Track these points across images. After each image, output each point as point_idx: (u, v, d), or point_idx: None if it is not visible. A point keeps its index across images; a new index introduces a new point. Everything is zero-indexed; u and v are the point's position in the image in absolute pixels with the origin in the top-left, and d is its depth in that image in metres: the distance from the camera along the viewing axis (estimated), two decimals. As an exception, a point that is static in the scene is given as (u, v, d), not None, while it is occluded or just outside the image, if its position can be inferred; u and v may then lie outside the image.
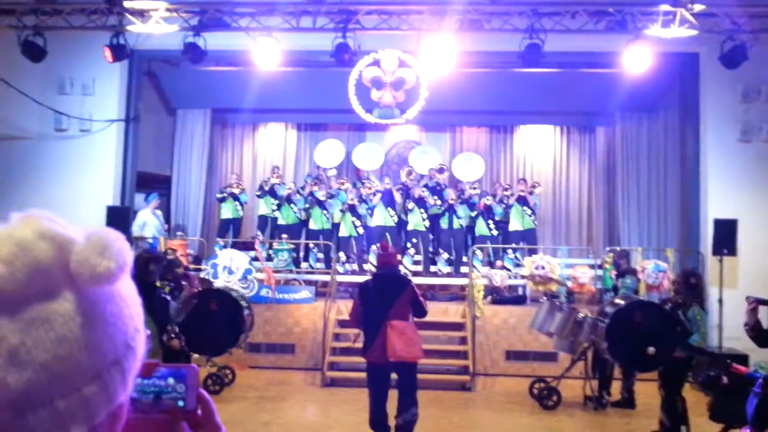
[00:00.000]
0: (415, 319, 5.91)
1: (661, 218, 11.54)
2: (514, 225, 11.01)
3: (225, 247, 10.71)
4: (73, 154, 10.28)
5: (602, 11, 8.62)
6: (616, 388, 7.59)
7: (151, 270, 5.43)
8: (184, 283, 6.91)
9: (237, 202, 11.67)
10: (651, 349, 6.14)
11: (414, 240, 10.78)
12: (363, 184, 11.46)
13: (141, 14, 8.86)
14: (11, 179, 10.08)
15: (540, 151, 12.94)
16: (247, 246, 11.06)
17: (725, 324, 8.69)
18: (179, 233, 11.61)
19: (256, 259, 10.30)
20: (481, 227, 10.97)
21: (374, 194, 10.88)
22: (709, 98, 9.96)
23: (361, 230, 10.88)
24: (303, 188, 11.63)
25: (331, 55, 8.72)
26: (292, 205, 11.32)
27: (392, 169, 12.73)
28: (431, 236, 11.07)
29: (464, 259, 10.77)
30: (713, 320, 8.74)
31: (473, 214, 11.03)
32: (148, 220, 10.78)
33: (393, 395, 5.75)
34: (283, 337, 9.51)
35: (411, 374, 5.71)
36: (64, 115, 10.24)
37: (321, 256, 11.07)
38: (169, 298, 5.77)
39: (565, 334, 7.42)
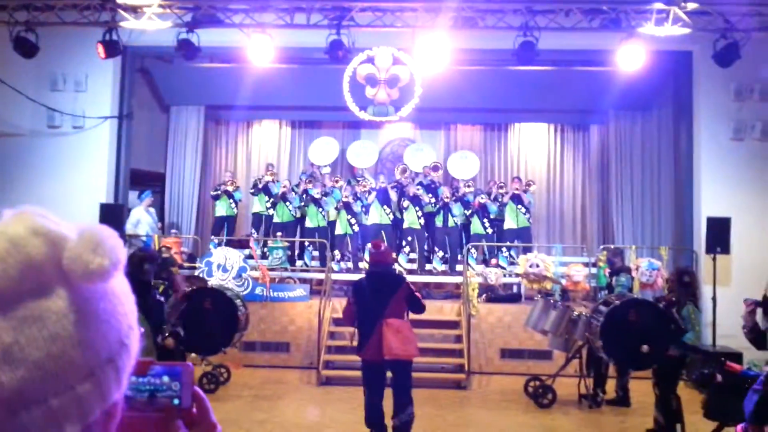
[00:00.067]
0: (413, 316, 5.91)
1: (654, 216, 11.58)
2: (509, 223, 11.03)
3: (219, 244, 10.69)
4: (66, 151, 10.23)
5: (596, 9, 8.64)
6: (610, 386, 7.61)
7: (146, 269, 5.41)
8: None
9: (231, 200, 11.64)
10: (645, 347, 6.16)
11: (409, 238, 10.79)
12: (358, 182, 11.45)
13: (134, 10, 8.83)
14: (4, 177, 10.03)
15: (534, 149, 12.97)
16: (241, 244, 11.04)
17: (719, 322, 8.72)
18: (173, 231, 11.58)
19: (250, 256, 10.28)
20: (476, 225, 10.99)
21: (369, 192, 10.88)
22: (702, 96, 10.01)
23: (356, 228, 10.87)
24: (298, 186, 11.61)
25: (325, 52, 8.71)
26: (287, 203, 11.30)
27: (387, 166, 12.73)
28: (426, 234, 11.08)
29: (459, 257, 10.78)
30: (707, 318, 8.77)
31: (468, 212, 11.05)
32: (141, 218, 10.75)
33: (387, 393, 5.75)
34: (278, 336, 9.50)
35: (406, 372, 5.71)
36: (57, 112, 10.18)
37: (316, 254, 11.06)
38: (162, 299, 5.74)
39: (559, 332, 7.43)
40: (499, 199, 11.16)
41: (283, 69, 10.95)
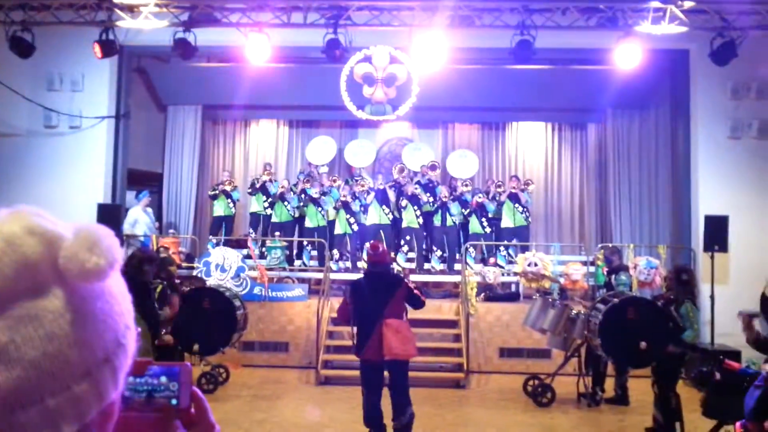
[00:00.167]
0: (412, 315, 5.90)
1: (652, 215, 11.60)
2: (506, 222, 11.04)
3: (217, 244, 10.67)
4: (62, 151, 10.21)
5: (593, 8, 8.65)
6: (609, 384, 7.62)
7: (145, 270, 5.40)
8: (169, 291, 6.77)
9: (229, 200, 11.63)
10: (643, 344, 6.16)
11: (407, 237, 10.78)
12: (356, 181, 11.45)
13: (130, 9, 8.81)
14: (0, 177, 10.00)
15: (532, 147, 12.98)
16: (239, 243, 11.03)
17: (717, 320, 8.74)
18: (171, 231, 11.56)
19: (248, 256, 10.26)
20: (474, 225, 11.00)
21: (368, 192, 10.87)
22: (699, 95, 10.02)
23: (356, 227, 10.87)
24: (296, 186, 11.60)
25: (322, 51, 8.70)
26: (286, 203, 11.29)
27: (384, 166, 12.72)
28: (424, 233, 11.08)
29: (457, 256, 10.78)
30: (705, 316, 8.79)
31: (466, 211, 11.05)
32: (139, 218, 10.73)
33: (386, 393, 5.75)
34: (276, 335, 9.49)
35: (403, 372, 5.71)
36: (54, 112, 10.16)
37: (314, 253, 11.06)
38: (157, 306, 5.71)
39: (558, 330, 7.44)
40: (497, 198, 11.17)
41: (280, 68, 10.94)
